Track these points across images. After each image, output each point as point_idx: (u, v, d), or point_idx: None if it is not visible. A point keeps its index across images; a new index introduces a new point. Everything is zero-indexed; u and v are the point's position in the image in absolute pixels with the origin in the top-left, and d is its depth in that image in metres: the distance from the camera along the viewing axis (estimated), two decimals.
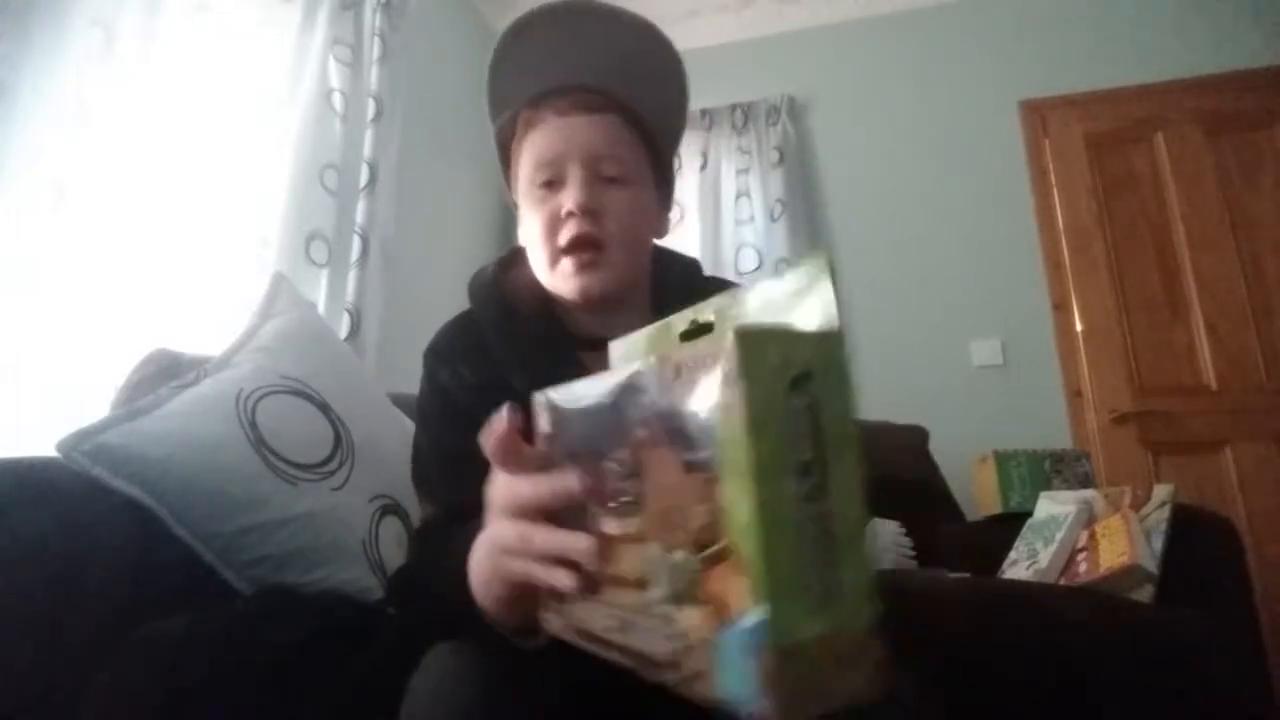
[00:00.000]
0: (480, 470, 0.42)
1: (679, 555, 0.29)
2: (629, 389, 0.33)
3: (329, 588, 0.90)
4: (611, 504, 0.34)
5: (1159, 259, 2.31)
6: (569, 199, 0.64)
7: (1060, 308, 2.35)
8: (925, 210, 2.50)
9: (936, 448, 1.93)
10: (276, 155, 1.56)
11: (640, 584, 0.32)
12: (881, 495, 1.60)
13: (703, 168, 2.64)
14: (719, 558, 0.27)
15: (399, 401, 1.23)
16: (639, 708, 0.42)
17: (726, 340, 0.26)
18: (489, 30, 2.63)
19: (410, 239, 1.99)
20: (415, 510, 0.88)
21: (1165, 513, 1.14)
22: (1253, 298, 2.22)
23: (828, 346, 0.28)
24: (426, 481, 0.66)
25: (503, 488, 0.41)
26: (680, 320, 0.39)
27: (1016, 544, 1.33)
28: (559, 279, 0.67)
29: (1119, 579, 1.07)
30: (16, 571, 0.71)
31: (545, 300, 0.70)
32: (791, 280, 0.32)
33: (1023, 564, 1.25)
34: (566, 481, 0.37)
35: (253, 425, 0.92)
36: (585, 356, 0.67)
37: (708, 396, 0.27)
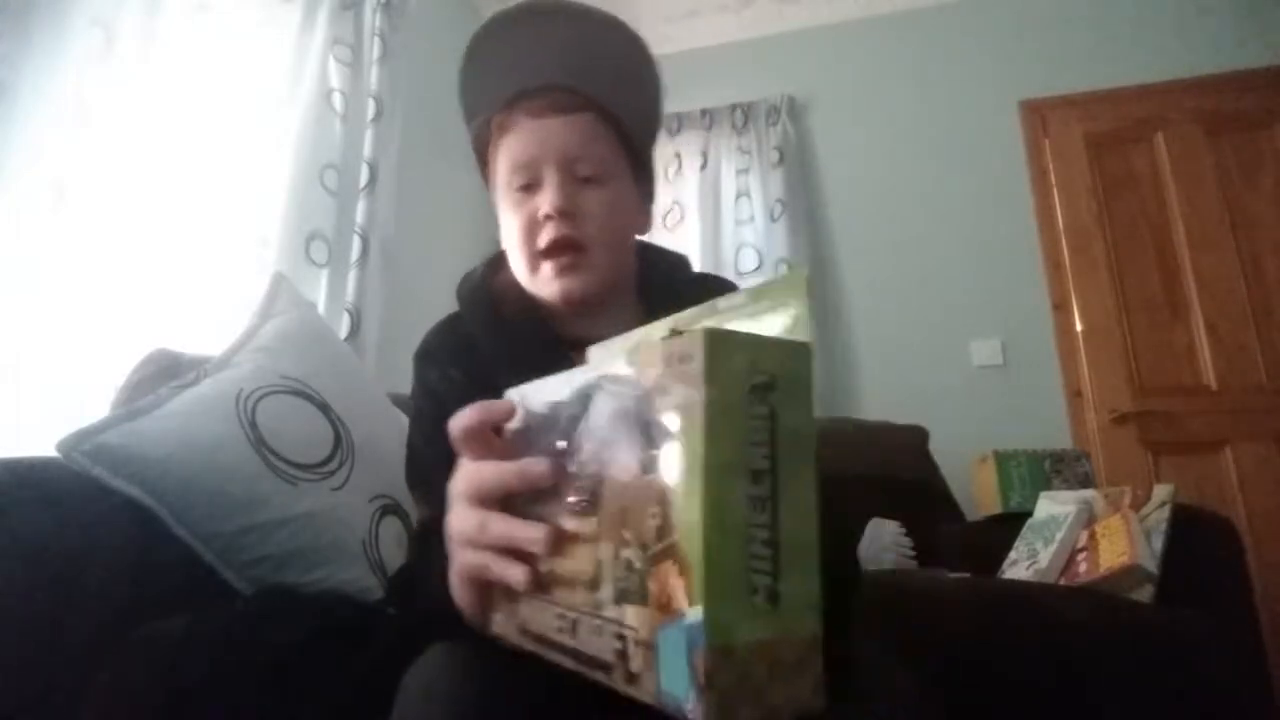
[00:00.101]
0: None
1: (628, 554, 0.29)
2: (595, 388, 0.33)
3: (329, 588, 0.90)
4: (570, 500, 0.34)
5: (1159, 259, 2.31)
6: (546, 202, 0.64)
7: (1060, 308, 2.35)
8: (925, 210, 2.50)
9: (936, 448, 1.93)
10: (276, 155, 1.56)
11: (592, 584, 0.32)
12: (881, 495, 1.60)
13: (703, 168, 2.64)
14: (664, 556, 0.27)
15: (399, 401, 1.23)
16: (632, 706, 0.42)
17: (693, 338, 0.26)
18: None
19: (410, 239, 1.99)
20: (415, 511, 0.88)
21: (1165, 513, 1.14)
22: (1253, 298, 2.22)
23: (793, 358, 0.28)
24: (422, 483, 0.66)
25: (468, 474, 0.41)
26: (660, 328, 0.39)
27: (1016, 544, 1.33)
28: (540, 283, 0.67)
29: (1119, 579, 1.07)
30: (16, 571, 0.71)
31: (533, 302, 0.70)
32: (768, 293, 0.32)
33: (1023, 564, 1.25)
34: (534, 466, 0.37)
35: (253, 425, 0.92)
36: (574, 357, 0.67)
37: (672, 396, 0.28)
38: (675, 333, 0.37)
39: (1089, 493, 1.34)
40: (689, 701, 0.25)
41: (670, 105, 2.69)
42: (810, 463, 0.28)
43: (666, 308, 0.68)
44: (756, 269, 2.50)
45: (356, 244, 1.69)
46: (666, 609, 0.26)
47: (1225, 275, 2.25)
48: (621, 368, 0.32)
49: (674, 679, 0.26)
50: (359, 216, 1.71)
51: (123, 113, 1.22)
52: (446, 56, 0.77)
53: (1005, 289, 2.39)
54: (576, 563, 0.33)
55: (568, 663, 0.33)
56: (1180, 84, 2.37)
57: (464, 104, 0.73)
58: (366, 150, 1.75)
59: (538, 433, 0.39)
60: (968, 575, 1.25)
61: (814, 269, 2.50)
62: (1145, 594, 1.06)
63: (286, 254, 1.53)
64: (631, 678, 0.29)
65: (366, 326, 1.67)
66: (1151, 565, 1.07)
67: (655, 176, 0.77)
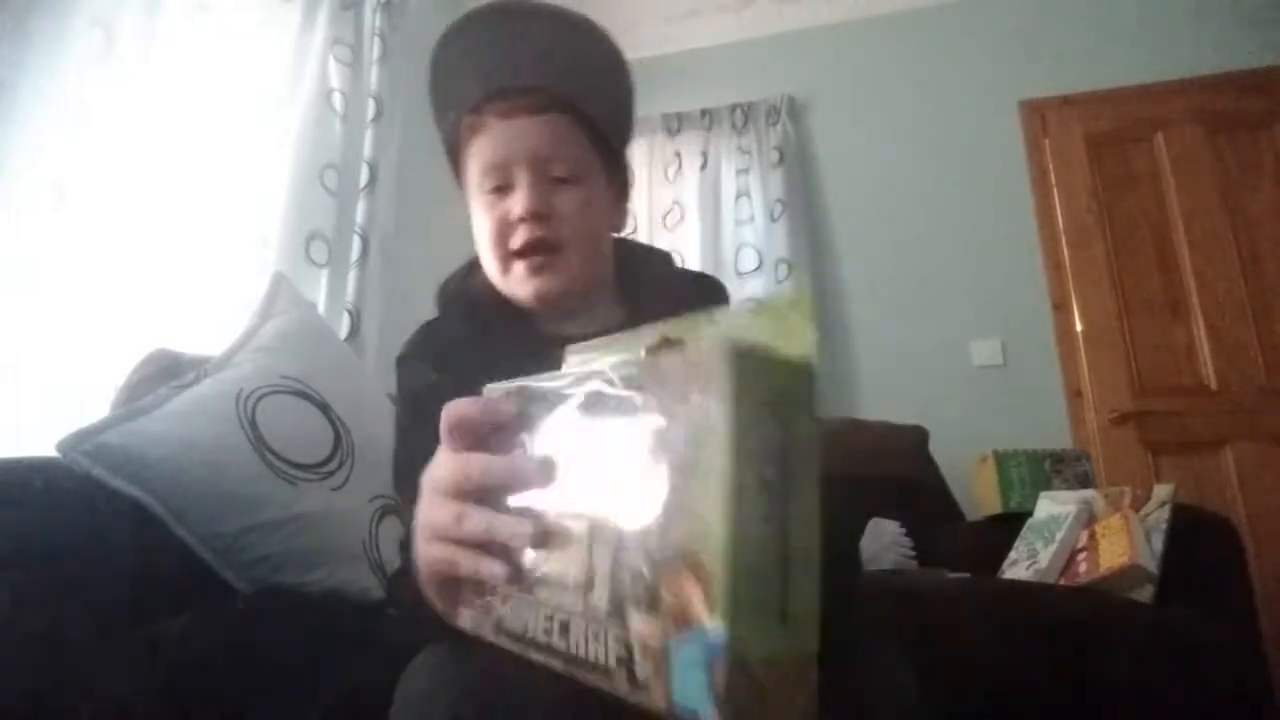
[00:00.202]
0: None
1: (633, 561, 0.29)
2: (588, 392, 0.33)
3: (329, 588, 0.90)
4: (559, 500, 0.34)
5: (1159, 259, 2.31)
6: (518, 204, 0.64)
7: (1060, 308, 2.35)
8: (925, 210, 2.50)
9: (936, 448, 1.93)
10: (276, 155, 1.56)
11: (585, 587, 0.31)
12: (881, 495, 1.60)
13: (703, 168, 2.64)
14: (680, 566, 0.27)
15: None
16: (623, 707, 0.42)
17: (713, 352, 0.27)
18: None
19: (410, 239, 1.99)
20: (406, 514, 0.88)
21: (1165, 513, 1.14)
22: (1253, 298, 2.22)
23: (803, 376, 0.29)
24: (413, 488, 0.65)
25: (451, 465, 0.39)
26: (648, 334, 0.39)
27: (1016, 544, 1.33)
28: (513, 283, 0.67)
29: (1119, 579, 1.07)
30: (16, 571, 0.71)
31: (511, 301, 0.70)
32: (769, 309, 0.33)
33: (1023, 564, 1.25)
34: (528, 465, 0.36)
35: (253, 425, 0.92)
36: (556, 357, 0.67)
37: (680, 406, 0.28)
38: (666, 340, 0.37)
39: (1089, 493, 1.35)
40: (707, 715, 0.25)
41: (670, 105, 2.71)
42: (813, 478, 0.28)
43: (648, 304, 0.69)
44: (756, 269, 2.50)
45: (356, 244, 1.69)
46: (681, 619, 0.26)
47: (1225, 275, 2.25)
48: (621, 372, 0.32)
49: (688, 691, 0.26)
50: (359, 216, 1.71)
51: (123, 113, 1.22)
52: None
53: (1005, 289, 2.39)
54: (565, 564, 0.33)
55: (556, 664, 0.33)
56: (1180, 84, 2.37)
57: (433, 105, 0.72)
58: (366, 150, 1.75)
59: (521, 430, 0.38)
60: (968, 575, 1.25)
61: (814, 269, 2.50)
62: (1145, 594, 1.06)
63: (286, 254, 1.53)
64: (636, 685, 0.29)
65: (366, 326, 1.67)
66: (1151, 565, 1.07)
67: (631, 174, 0.77)
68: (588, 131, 0.68)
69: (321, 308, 1.58)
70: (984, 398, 2.30)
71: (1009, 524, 1.43)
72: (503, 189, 0.66)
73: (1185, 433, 2.18)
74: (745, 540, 0.25)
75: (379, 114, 1.79)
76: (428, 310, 0.76)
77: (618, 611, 0.30)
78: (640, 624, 0.28)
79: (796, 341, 0.30)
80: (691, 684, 0.26)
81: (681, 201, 2.62)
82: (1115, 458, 2.18)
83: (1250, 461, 2.11)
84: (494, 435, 0.40)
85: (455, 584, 0.40)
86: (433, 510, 0.40)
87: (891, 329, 2.43)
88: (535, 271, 0.65)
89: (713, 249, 2.55)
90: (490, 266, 0.68)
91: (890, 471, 1.77)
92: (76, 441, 0.80)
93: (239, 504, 0.86)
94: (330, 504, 0.95)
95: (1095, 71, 2.44)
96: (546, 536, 0.35)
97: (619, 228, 0.75)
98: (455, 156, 0.72)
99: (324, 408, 1.03)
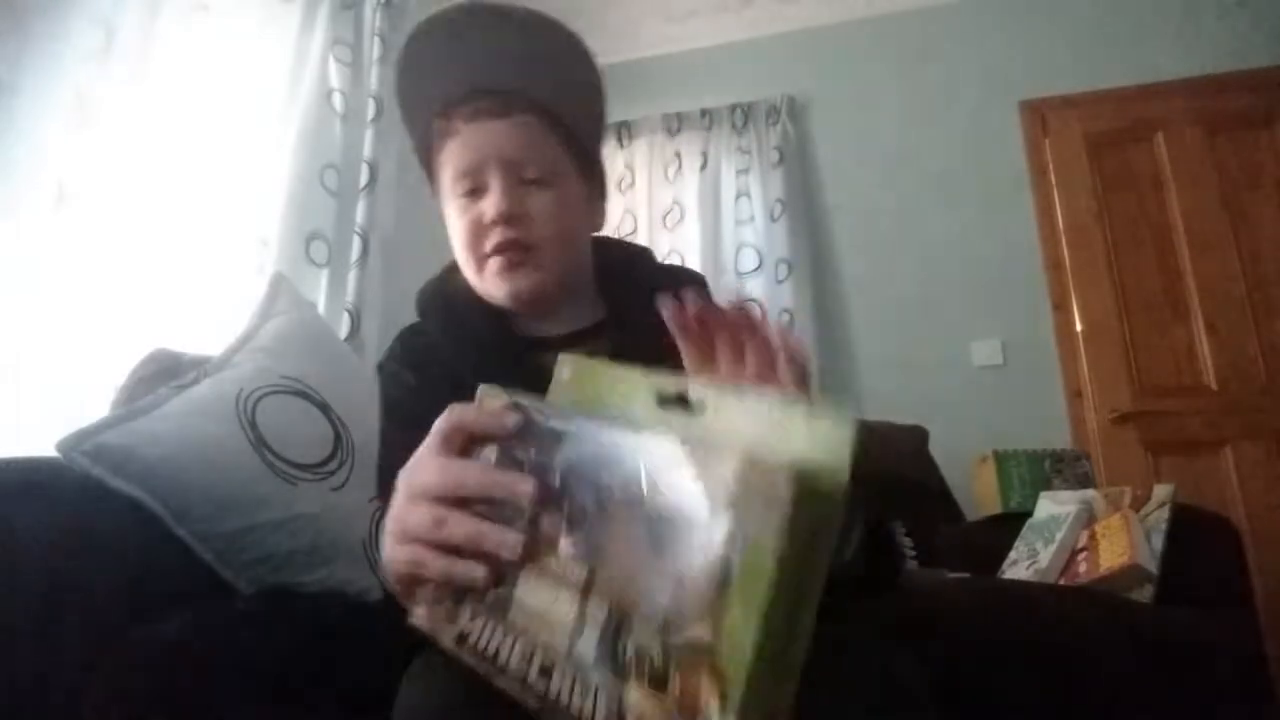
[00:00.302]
0: None
1: (638, 629, 0.30)
2: (614, 444, 0.34)
3: (329, 588, 0.90)
4: (565, 540, 0.34)
5: (1159, 259, 2.31)
6: (491, 207, 0.64)
7: (1060, 308, 2.35)
8: (925, 210, 2.50)
9: (936, 448, 1.93)
10: (276, 155, 1.56)
11: (575, 631, 0.32)
12: (882, 495, 1.60)
13: (703, 168, 2.64)
14: (697, 656, 0.28)
15: None
16: None
17: (779, 477, 0.28)
18: None
19: (410, 239, 1.99)
20: None
21: (1165, 513, 1.14)
22: (1253, 298, 2.22)
23: (839, 504, 0.30)
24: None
25: (441, 469, 0.39)
26: (661, 382, 0.38)
27: (1016, 544, 1.33)
28: (488, 284, 0.67)
29: (1119, 579, 1.07)
30: (16, 571, 0.71)
31: (490, 304, 0.70)
32: (807, 417, 0.33)
33: (1023, 564, 1.25)
34: (522, 484, 0.36)
35: (253, 425, 0.92)
36: (536, 357, 0.66)
37: (739, 520, 0.29)
38: (677, 395, 0.37)
39: (1089, 493, 1.35)
40: None
41: (670, 105, 2.71)
42: (819, 592, 0.30)
43: (627, 303, 0.69)
44: (756, 269, 2.51)
45: (356, 244, 1.69)
46: (690, 709, 0.28)
47: (1225, 275, 2.25)
48: (667, 448, 0.32)
49: None
50: (359, 216, 1.71)
51: (123, 113, 1.22)
52: None
53: (1005, 289, 2.39)
54: (552, 601, 0.33)
55: (529, 701, 0.33)
56: (1180, 84, 2.37)
57: (401, 107, 0.72)
58: (366, 150, 1.75)
59: (532, 452, 0.37)
60: (968, 575, 1.25)
61: (814, 269, 2.50)
62: (1145, 594, 1.06)
63: (286, 254, 1.52)
64: None
65: (366, 326, 1.67)
66: (1151, 565, 1.07)
67: (605, 173, 0.77)
68: (559, 133, 0.68)
69: (321, 308, 1.58)
70: (984, 398, 2.30)
71: (1009, 524, 1.44)
72: (476, 192, 0.66)
73: (1185, 433, 2.18)
74: (769, 656, 0.28)
75: (379, 114, 1.78)
76: None
77: (614, 672, 0.31)
78: (641, 698, 0.30)
79: (834, 457, 0.31)
80: None
81: (681, 201, 2.63)
82: (1115, 458, 2.18)
83: (1250, 461, 2.11)
84: (484, 444, 0.39)
85: (419, 586, 0.39)
86: (410, 512, 0.40)
87: (891, 329, 2.43)
88: (510, 272, 0.65)
89: (713, 249, 2.55)
90: (466, 269, 0.68)
91: (890, 471, 1.77)
92: (76, 441, 0.80)
93: (239, 504, 0.86)
94: (330, 504, 0.95)
95: (1095, 71, 2.44)
96: (534, 552, 0.35)
97: (597, 227, 0.75)
98: (427, 159, 0.72)
99: (324, 408, 1.03)
